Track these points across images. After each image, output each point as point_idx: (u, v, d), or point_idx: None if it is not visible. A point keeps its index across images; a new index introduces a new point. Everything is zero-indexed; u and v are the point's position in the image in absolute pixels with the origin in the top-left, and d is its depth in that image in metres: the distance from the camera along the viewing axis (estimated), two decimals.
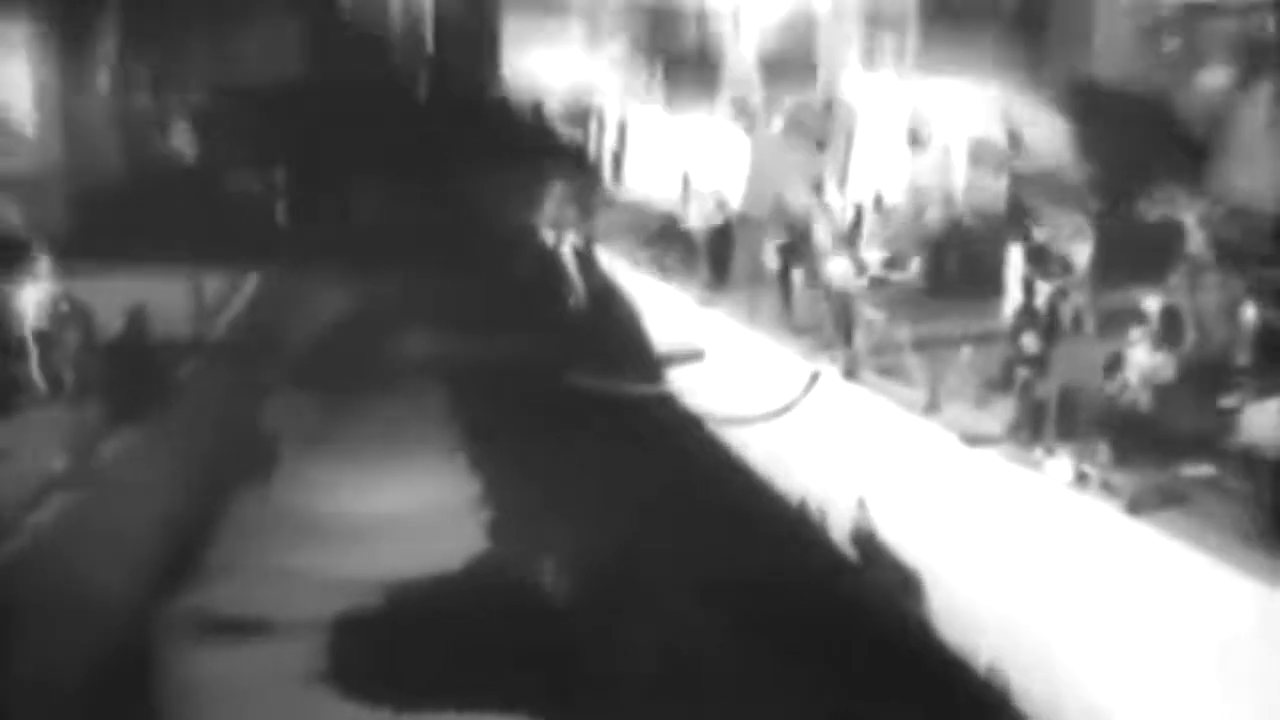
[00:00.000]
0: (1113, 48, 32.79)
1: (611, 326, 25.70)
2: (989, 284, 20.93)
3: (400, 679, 17.51)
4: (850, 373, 18.64)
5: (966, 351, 16.86)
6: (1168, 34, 32.50)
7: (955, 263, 21.94)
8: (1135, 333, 15.44)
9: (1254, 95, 29.92)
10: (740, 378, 21.74)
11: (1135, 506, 14.20)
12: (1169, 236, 23.82)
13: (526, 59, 32.38)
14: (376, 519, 21.87)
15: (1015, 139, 22.70)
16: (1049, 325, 16.94)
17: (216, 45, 30.18)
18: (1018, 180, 22.58)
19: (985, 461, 16.12)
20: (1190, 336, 18.16)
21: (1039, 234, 20.52)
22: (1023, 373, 15.83)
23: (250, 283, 25.11)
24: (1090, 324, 19.09)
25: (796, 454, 20.60)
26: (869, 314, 18.60)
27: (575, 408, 23.28)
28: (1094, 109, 30.04)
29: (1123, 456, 14.90)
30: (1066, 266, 19.84)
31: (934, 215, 21.92)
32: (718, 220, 22.99)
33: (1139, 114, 30.35)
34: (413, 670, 17.84)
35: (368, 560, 20.33)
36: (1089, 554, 14.61)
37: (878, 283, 22.01)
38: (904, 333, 17.66)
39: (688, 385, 23.47)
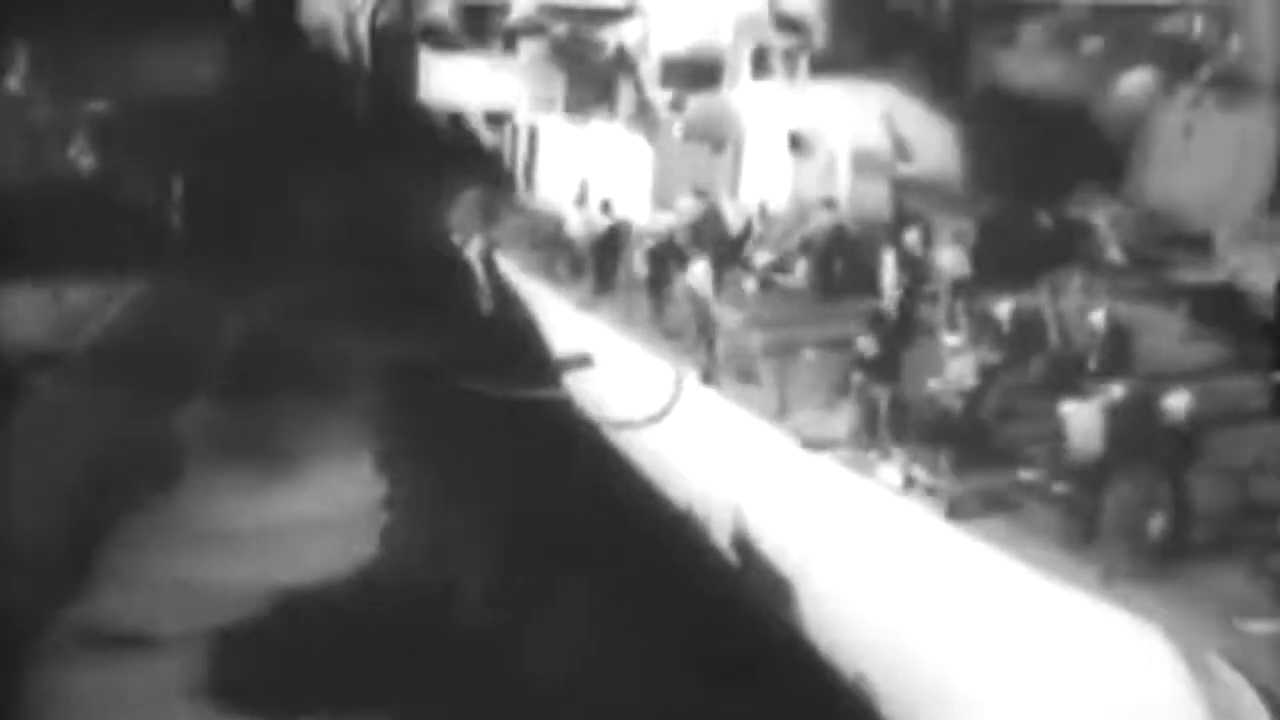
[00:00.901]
0: (1034, 50, 32.73)
1: (509, 331, 25.53)
2: (874, 288, 20.65)
3: (286, 689, 17.31)
4: (708, 378, 18.37)
5: (809, 355, 16.58)
6: (1086, 35, 32.41)
7: (841, 267, 21.65)
8: (951, 338, 15.17)
9: (1174, 98, 29.75)
10: (618, 383, 21.52)
11: (954, 512, 13.91)
12: (1064, 240, 23.63)
13: (446, 67, 32.13)
14: (276, 525, 21.72)
15: (900, 145, 22.47)
16: (896, 329, 16.64)
17: (125, 57, 29.96)
18: (902, 186, 22.32)
19: (822, 466, 15.83)
20: (1053, 340, 17.89)
21: (908, 239, 20.26)
22: (856, 377, 15.52)
23: (135, 291, 24.85)
24: (962, 329, 18.79)
25: (676, 458, 20.40)
26: (727, 319, 18.34)
27: (477, 411, 23.13)
28: (1006, 114, 29.94)
29: (951, 462, 14.57)
30: (929, 273, 19.59)
31: (818, 220, 21.64)
32: (601, 226, 22.74)
33: (1054, 118, 30.25)
34: (300, 680, 17.66)
35: (263, 568, 20.20)
36: (914, 559, 14.33)
37: (766, 286, 21.85)
38: (756, 338, 17.37)
39: (578, 390, 23.27)
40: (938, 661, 14.18)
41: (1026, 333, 16.99)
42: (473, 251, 26.48)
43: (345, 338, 27.65)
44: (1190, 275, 24.84)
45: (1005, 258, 21.75)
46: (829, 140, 22.55)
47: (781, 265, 21.92)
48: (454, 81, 31.37)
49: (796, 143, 22.65)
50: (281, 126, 31.62)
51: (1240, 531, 13.15)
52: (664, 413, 20.09)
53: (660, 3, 28.15)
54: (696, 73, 26.41)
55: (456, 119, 31.65)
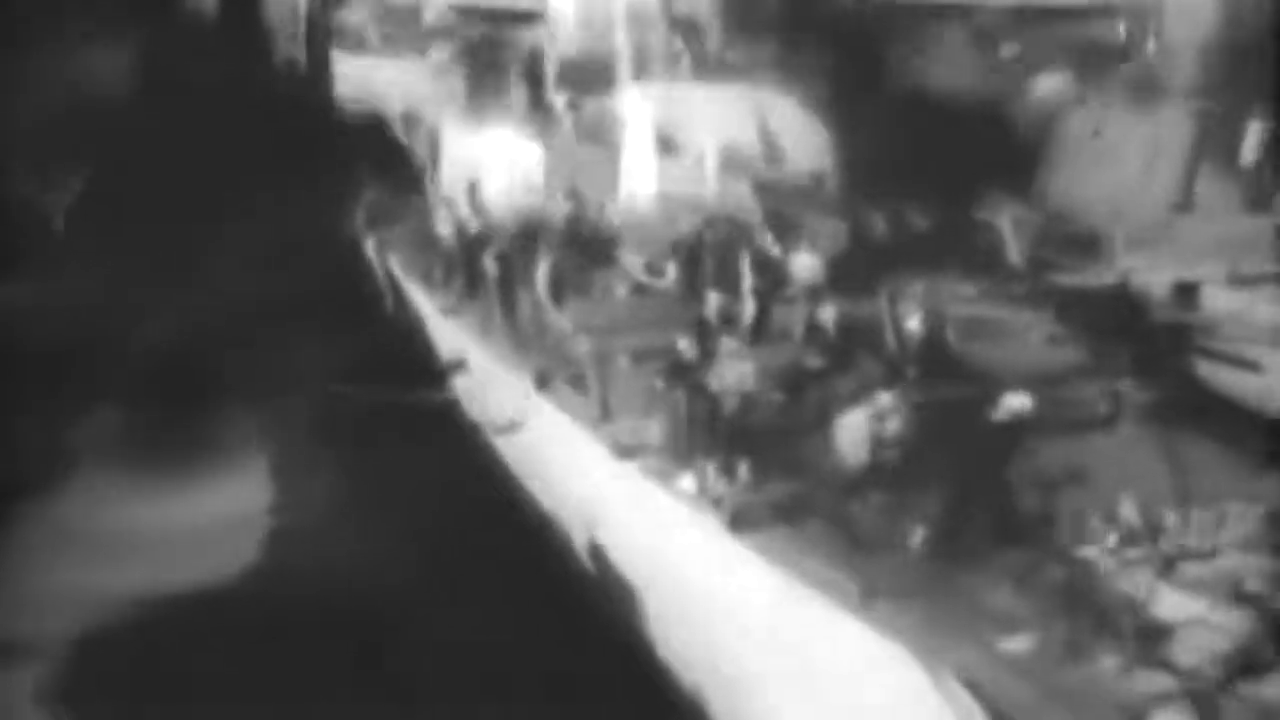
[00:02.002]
0: (951, 53, 32.37)
1: (399, 334, 25.38)
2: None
3: (145, 696, 17.11)
4: (543, 383, 18.07)
5: (622, 360, 16.26)
6: (1006, 38, 32.04)
7: (710, 270, 21.28)
8: (729, 341, 14.84)
9: (1087, 101, 29.42)
10: (482, 387, 21.29)
11: (737, 522, 13.57)
12: (942, 243, 23.31)
13: (359, 69, 31.95)
14: (163, 532, 21.53)
15: (772, 147, 22.15)
16: (717, 335, 16.33)
17: (31, 53, 29.78)
18: (771, 188, 22.01)
19: (630, 474, 15.53)
20: (890, 346, 17.55)
21: (763, 242, 19.96)
22: (659, 383, 15.18)
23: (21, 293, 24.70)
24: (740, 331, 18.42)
25: (539, 464, 20.20)
26: (558, 323, 18.04)
27: (369, 415, 22.93)
28: (915, 117, 29.63)
29: (747, 470, 14.24)
30: (785, 277, 19.29)
31: (686, 222, 21.34)
32: (471, 228, 22.48)
33: (967, 120, 29.91)
34: (163, 686, 17.47)
35: (143, 574, 20.02)
36: (700, 571, 14.02)
37: (638, 290, 21.57)
38: (582, 344, 17.07)
39: (463, 394, 23.08)
40: (733, 675, 13.89)
41: (854, 339, 16.58)
42: (371, 253, 26.36)
43: (246, 342, 27.48)
44: (1080, 278, 24.55)
45: (877, 262, 21.56)
46: (698, 141, 22.19)
47: (652, 268, 21.56)
48: (367, 83, 31.17)
49: (665, 144, 22.33)
50: (197, 128, 31.41)
51: (1016, 542, 12.76)
52: (520, 419, 19.84)
53: (560, 4, 27.88)
54: (590, 74, 26.15)
55: (373, 121, 31.42)
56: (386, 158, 30.60)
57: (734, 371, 14.24)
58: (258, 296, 28.24)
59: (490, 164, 26.26)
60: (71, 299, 26.54)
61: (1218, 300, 23.51)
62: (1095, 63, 30.10)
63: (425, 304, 23.69)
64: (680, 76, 24.34)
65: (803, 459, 14.39)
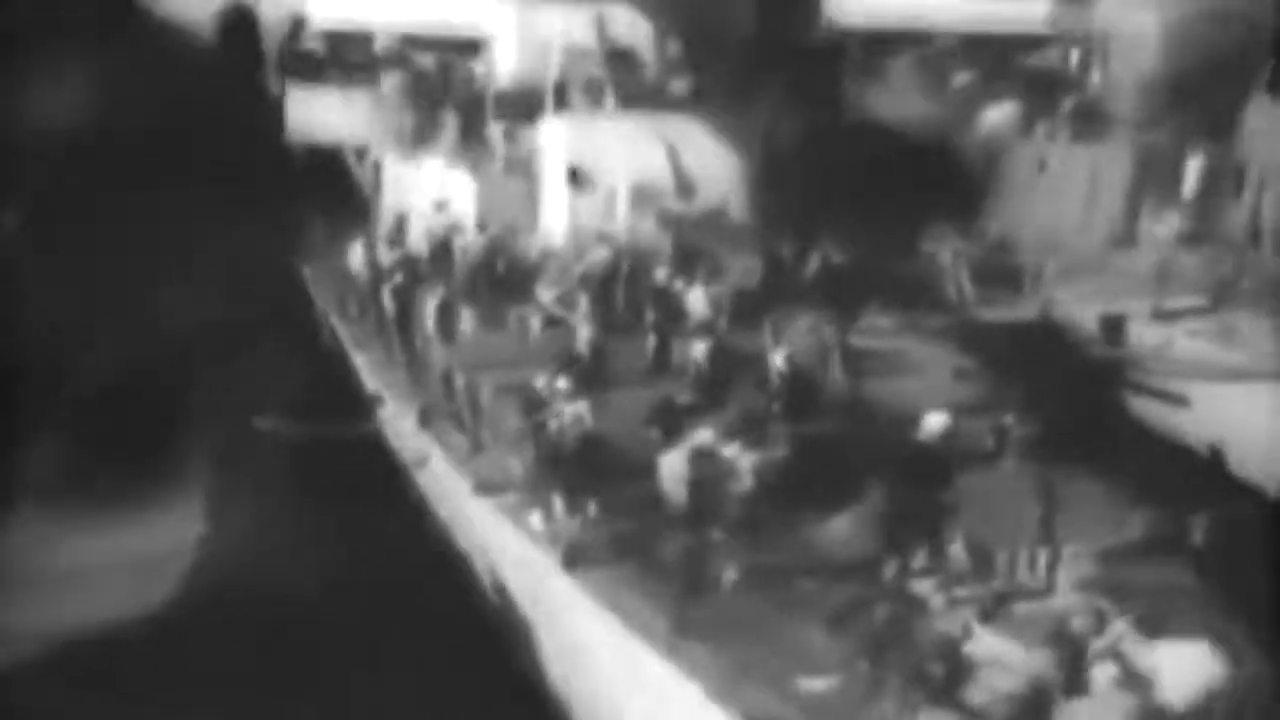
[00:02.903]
0: (903, 83, 32.33)
1: (327, 366, 25.36)
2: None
3: None
4: (425, 420, 17.98)
5: (487, 395, 16.15)
6: (957, 68, 31.96)
7: (621, 304, 21.22)
8: (560, 381, 14.68)
9: (1033, 131, 29.31)
10: (394, 421, 21.22)
11: (570, 560, 13.42)
12: (860, 278, 23.15)
13: (311, 100, 32.03)
14: (83, 568, 21.43)
15: (684, 180, 22.04)
16: (585, 371, 16.22)
17: None
18: (683, 221, 21.90)
19: (486, 509, 15.41)
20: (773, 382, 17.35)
21: (660, 278, 19.87)
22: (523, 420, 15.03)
23: None
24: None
25: (441, 498, 20.11)
26: (435, 358, 17.98)
27: (298, 449, 22.94)
28: (864, 147, 29.54)
29: (589, 506, 14.10)
30: (680, 312, 19.18)
31: (597, 256, 21.25)
32: (384, 261, 22.45)
33: (917, 150, 29.83)
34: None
35: (59, 610, 19.91)
36: (542, 608, 13.88)
37: (551, 323, 21.46)
38: (459, 379, 16.97)
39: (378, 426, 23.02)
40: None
41: (727, 375, 16.43)
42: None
43: (184, 374, 27.48)
44: (1003, 312, 24.38)
45: (788, 296, 21.45)
46: (610, 175, 22.13)
47: (564, 301, 21.47)
48: (317, 114, 31.25)
49: (576, 177, 22.26)
50: (149, 155, 31.49)
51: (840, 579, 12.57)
52: (426, 453, 19.75)
53: (499, 34, 27.94)
54: (523, 105, 26.14)
55: (324, 152, 31.52)
56: (334, 190, 30.70)
57: (570, 411, 14.08)
58: (198, 327, 28.23)
59: (423, 196, 26.29)
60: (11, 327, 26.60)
61: (1144, 335, 23.31)
62: (1044, 93, 29.98)
63: (345, 337, 23.68)
64: (604, 108, 24.25)
65: (653, 497, 14.20)
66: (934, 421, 13.65)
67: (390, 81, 29.80)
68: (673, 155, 21.86)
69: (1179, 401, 22.44)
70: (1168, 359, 22.67)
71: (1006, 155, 28.29)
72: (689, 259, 21.47)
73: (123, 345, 28.41)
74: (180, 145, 31.86)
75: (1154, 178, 26.97)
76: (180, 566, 22.10)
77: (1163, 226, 26.82)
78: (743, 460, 13.92)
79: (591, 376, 16.00)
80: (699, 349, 16.44)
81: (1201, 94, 27.16)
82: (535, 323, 21.44)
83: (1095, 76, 29.37)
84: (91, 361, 28.15)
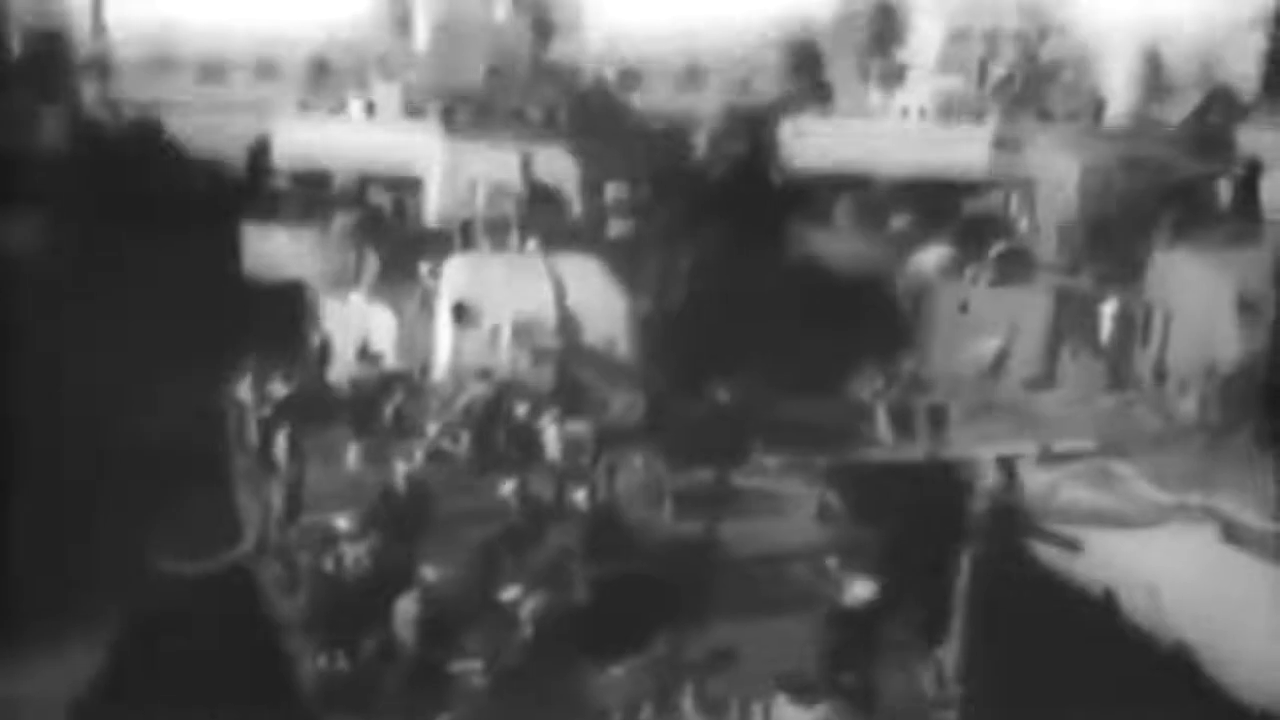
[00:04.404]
0: (843, 226, 32.78)
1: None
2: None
3: None
4: (262, 550, 18.22)
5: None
6: (896, 211, 32.39)
7: (502, 439, 21.45)
8: (341, 520, 14.84)
9: (960, 274, 29.51)
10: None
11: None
12: (740, 417, 23.22)
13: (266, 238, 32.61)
14: None
15: (569, 318, 22.43)
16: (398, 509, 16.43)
17: None
18: (566, 357, 22.22)
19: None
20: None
21: (518, 413, 20.16)
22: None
23: None
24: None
25: None
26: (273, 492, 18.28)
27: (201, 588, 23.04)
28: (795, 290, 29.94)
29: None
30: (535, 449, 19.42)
31: (476, 391, 21.59)
32: (278, 394, 22.87)
33: (850, 292, 30.13)
34: None
35: None
36: None
37: (434, 457, 21.59)
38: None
39: None
40: None
41: (538, 515, 16.59)
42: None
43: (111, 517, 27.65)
44: (891, 453, 24.40)
45: (672, 435, 21.57)
46: (496, 311, 22.59)
47: (448, 435, 21.72)
48: (269, 251, 31.91)
49: (461, 313, 22.73)
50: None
51: None
52: None
53: (431, 174, 28.72)
54: (445, 243, 26.76)
55: (275, 289, 31.93)
56: (274, 326, 30.97)
57: (350, 553, 14.27)
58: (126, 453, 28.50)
59: (349, 331, 26.66)
60: None
61: (1031, 479, 23.20)
62: (977, 237, 30.22)
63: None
64: (509, 247, 24.81)
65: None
66: (861, 589, 13.55)
67: (341, 220, 30.49)
68: (560, 293, 22.25)
69: (1073, 547, 22.23)
70: (1054, 503, 22.53)
71: (930, 298, 28.45)
72: (571, 395, 21.68)
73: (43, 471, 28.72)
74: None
75: (1072, 322, 27.02)
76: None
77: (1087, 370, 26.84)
78: (524, 606, 14.02)
79: (406, 515, 16.13)
80: (507, 487, 16.58)
81: (1117, 239, 27.34)
82: (418, 456, 21.59)
83: (1023, 222, 29.63)
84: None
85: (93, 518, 25.28)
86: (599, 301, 22.62)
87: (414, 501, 16.58)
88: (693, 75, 50.18)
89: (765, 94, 41.57)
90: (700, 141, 38.16)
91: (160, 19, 42.61)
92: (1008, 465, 23.38)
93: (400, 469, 17.05)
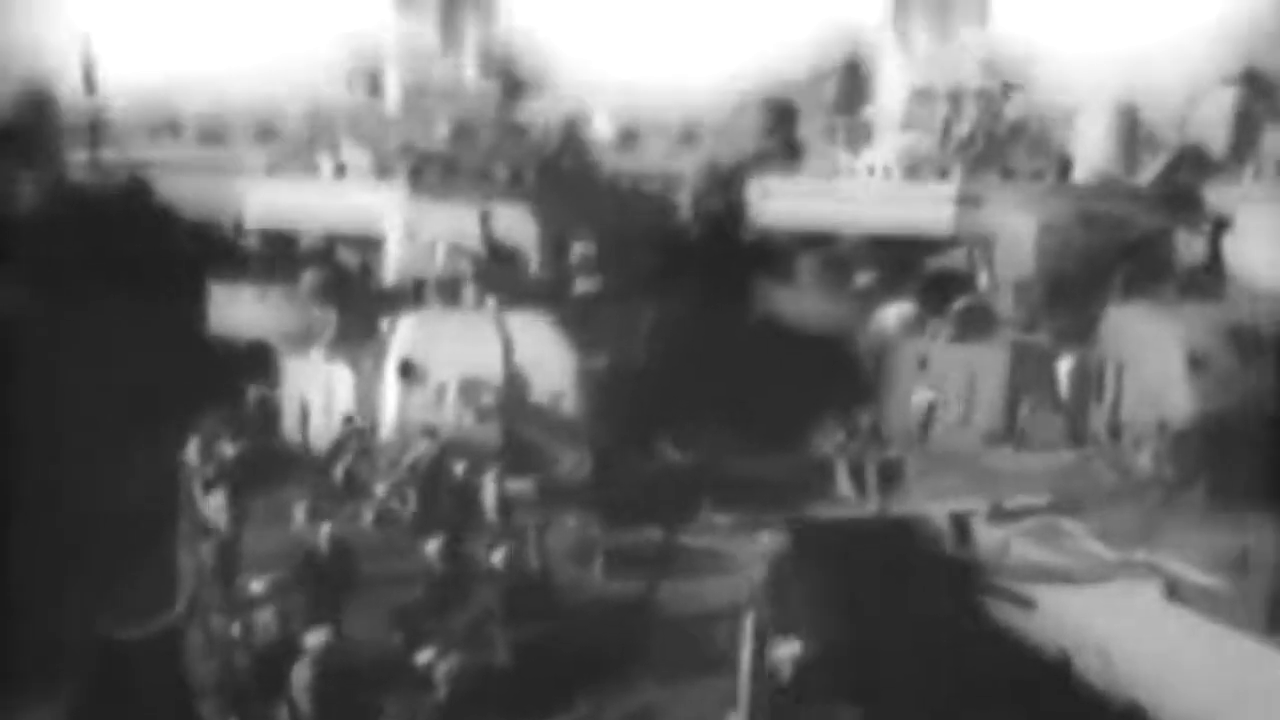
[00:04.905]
0: (808, 282, 32.89)
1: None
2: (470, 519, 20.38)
3: None
4: (191, 613, 18.11)
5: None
6: (861, 268, 32.49)
7: (448, 499, 21.35)
8: (255, 584, 14.74)
9: (921, 330, 29.56)
10: None
11: None
12: (693, 475, 23.19)
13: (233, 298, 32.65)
14: None
15: (515, 375, 22.42)
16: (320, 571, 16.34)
17: None
18: (512, 416, 22.20)
19: None
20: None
21: (459, 470, 20.12)
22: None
23: None
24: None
25: None
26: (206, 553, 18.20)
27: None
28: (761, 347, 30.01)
29: None
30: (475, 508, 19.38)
31: (420, 449, 21.55)
32: (227, 454, 22.88)
33: (815, 348, 30.20)
34: None
35: None
36: None
37: (382, 519, 21.49)
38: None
39: None
40: None
41: (460, 575, 16.50)
42: None
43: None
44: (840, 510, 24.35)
45: (620, 493, 21.51)
46: (443, 369, 22.61)
47: (396, 495, 21.64)
48: (236, 312, 31.98)
49: (408, 371, 22.74)
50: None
51: None
52: None
53: (391, 232, 28.84)
54: (403, 301, 26.80)
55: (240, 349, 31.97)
56: (231, 386, 30.94)
57: (259, 619, 14.19)
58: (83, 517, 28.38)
59: (311, 391, 26.64)
60: None
61: (984, 535, 23.10)
62: (940, 293, 30.29)
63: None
64: (461, 305, 24.86)
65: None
66: (786, 649, 13.66)
67: (308, 279, 30.56)
68: (508, 350, 22.27)
69: (1026, 604, 22.11)
70: (1007, 560, 22.42)
71: (892, 353, 28.49)
72: (519, 453, 21.66)
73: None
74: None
75: (1030, 377, 27.02)
76: None
77: (1040, 425, 26.79)
78: (439, 668, 13.91)
79: (328, 577, 16.05)
80: (432, 547, 16.51)
81: (1074, 295, 27.39)
82: (367, 516, 21.53)
83: (983, 278, 29.71)
84: None
85: (46, 582, 25.23)
86: (546, 358, 22.61)
87: (336, 562, 16.42)
88: (685, 134, 50.97)
89: (744, 153, 42.10)
90: (683, 200, 38.56)
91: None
92: (960, 522, 23.28)
93: (324, 530, 16.87)
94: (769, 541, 17.57)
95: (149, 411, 29.25)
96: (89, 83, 47.88)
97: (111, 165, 46.39)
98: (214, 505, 19.00)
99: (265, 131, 41.36)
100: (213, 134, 45.50)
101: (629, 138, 58.83)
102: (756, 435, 26.06)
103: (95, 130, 47.90)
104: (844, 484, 25.80)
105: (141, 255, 38.23)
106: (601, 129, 68.09)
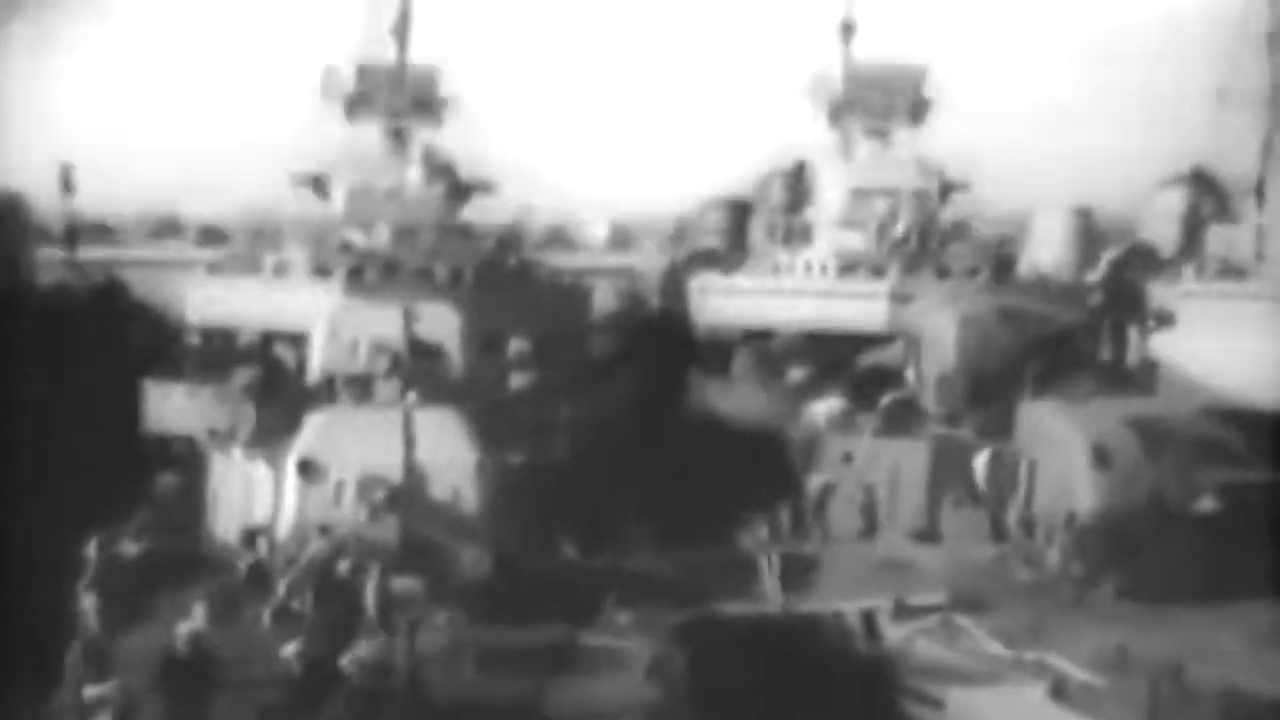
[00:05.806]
0: (742, 377, 32.99)
1: None
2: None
3: None
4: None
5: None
6: (795, 363, 32.60)
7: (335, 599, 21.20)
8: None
9: (846, 426, 29.53)
10: None
11: None
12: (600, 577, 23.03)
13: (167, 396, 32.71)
14: None
15: (414, 473, 22.33)
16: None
17: None
18: (404, 511, 22.09)
19: None
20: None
21: (342, 569, 20.03)
22: None
23: None
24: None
25: None
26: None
27: None
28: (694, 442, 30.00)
29: None
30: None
31: (315, 548, 21.47)
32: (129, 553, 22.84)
33: (743, 444, 30.17)
34: None
35: None
36: None
37: (279, 618, 21.28)
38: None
39: None
40: None
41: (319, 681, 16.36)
42: None
43: None
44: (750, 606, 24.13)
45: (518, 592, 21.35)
46: (343, 467, 22.59)
47: (295, 594, 21.51)
48: (167, 408, 31.93)
49: (307, 469, 22.73)
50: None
51: None
52: None
53: (316, 328, 28.93)
54: (324, 397, 26.87)
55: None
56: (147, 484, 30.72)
57: None
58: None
59: (231, 488, 26.64)
60: None
61: (889, 632, 22.87)
62: (871, 389, 30.30)
63: None
64: (371, 402, 24.89)
65: None
66: None
67: (239, 376, 30.65)
68: (409, 446, 22.21)
69: (936, 704, 21.80)
70: (912, 659, 22.17)
71: (820, 448, 28.45)
72: (417, 551, 21.55)
73: None
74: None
75: (951, 472, 26.94)
76: None
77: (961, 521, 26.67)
78: None
79: (186, 680, 15.91)
80: (289, 649, 16.37)
81: (993, 390, 27.42)
82: (265, 617, 21.38)
83: (910, 373, 29.75)
84: None
85: None
86: (447, 454, 22.56)
87: (195, 664, 16.27)
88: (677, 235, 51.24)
89: (693, 250, 42.48)
90: (610, 299, 38.77)
91: None
92: (870, 619, 23.06)
93: (182, 630, 16.75)
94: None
95: (83, 510, 29.14)
96: (66, 184, 48.40)
97: (87, 264, 46.75)
98: (86, 606, 18.87)
99: (211, 232, 41.81)
100: (164, 232, 46.07)
101: (621, 240, 59.59)
102: (679, 531, 25.92)
103: (72, 231, 48.32)
104: (767, 580, 25.58)
105: (98, 354, 38.35)
106: (596, 231, 69.06)
